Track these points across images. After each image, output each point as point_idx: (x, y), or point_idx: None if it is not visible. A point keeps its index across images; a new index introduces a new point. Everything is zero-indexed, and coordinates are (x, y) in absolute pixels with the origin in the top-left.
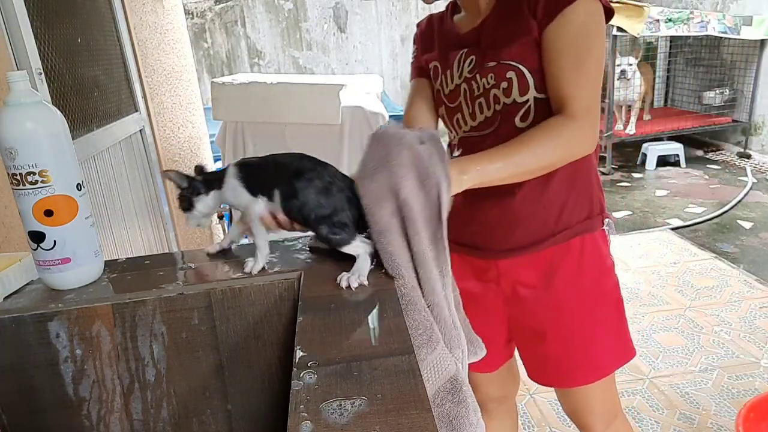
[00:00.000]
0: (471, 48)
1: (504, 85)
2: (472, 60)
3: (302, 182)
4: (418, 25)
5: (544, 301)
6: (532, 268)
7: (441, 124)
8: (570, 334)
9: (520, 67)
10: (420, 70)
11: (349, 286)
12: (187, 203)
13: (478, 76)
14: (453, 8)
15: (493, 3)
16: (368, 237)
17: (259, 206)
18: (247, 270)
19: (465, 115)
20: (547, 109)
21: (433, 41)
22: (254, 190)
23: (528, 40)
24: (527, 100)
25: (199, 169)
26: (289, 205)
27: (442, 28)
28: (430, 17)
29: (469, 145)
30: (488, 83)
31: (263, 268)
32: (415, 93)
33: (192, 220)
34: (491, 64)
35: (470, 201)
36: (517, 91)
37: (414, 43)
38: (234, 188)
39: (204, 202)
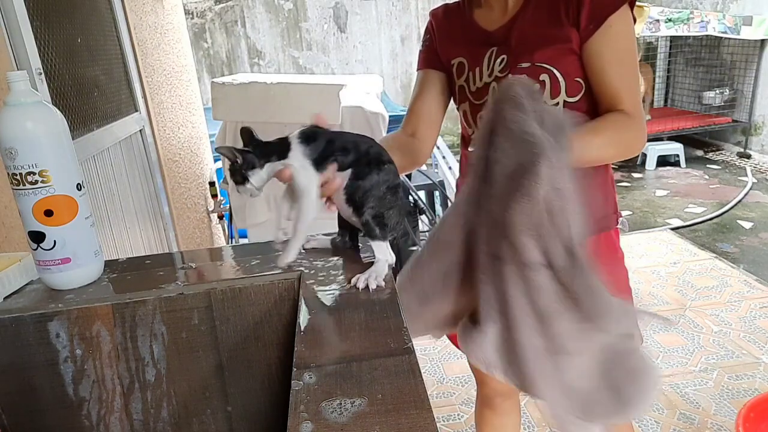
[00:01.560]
0: (501, 46)
1: (544, 90)
2: (503, 59)
3: (379, 172)
4: (433, 14)
5: None
6: None
7: (443, 120)
8: None
9: (554, 70)
10: (431, 61)
11: (366, 288)
12: (240, 177)
13: (510, 76)
14: (469, 0)
15: (522, 1)
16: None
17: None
18: (280, 264)
19: (472, 94)
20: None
21: (454, 34)
22: (320, 165)
23: (564, 47)
24: (557, 103)
25: (248, 133)
26: (355, 185)
27: (463, 22)
28: (446, 7)
29: None
30: None
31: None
32: (424, 84)
33: (245, 193)
34: (525, 64)
35: None
36: (549, 93)
37: (426, 32)
38: (302, 163)
39: (258, 176)
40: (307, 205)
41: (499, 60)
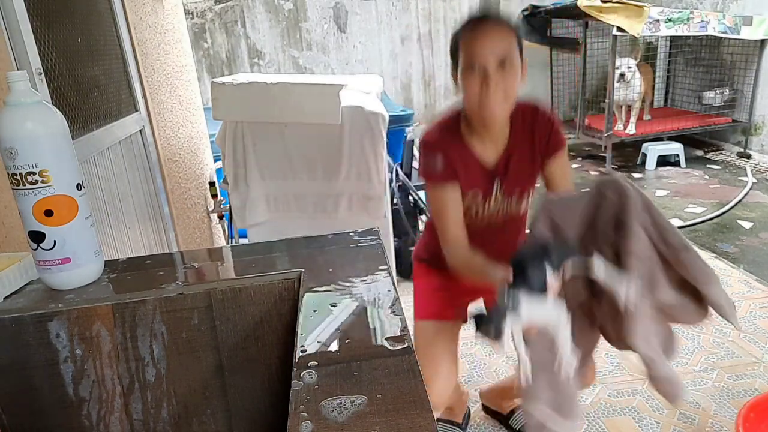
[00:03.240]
0: (501, 177)
1: (523, 202)
2: (503, 188)
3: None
4: (433, 143)
5: None
6: None
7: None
8: None
9: (531, 189)
10: (451, 175)
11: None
12: (495, 333)
13: (506, 199)
14: (458, 124)
15: (508, 135)
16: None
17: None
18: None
19: (479, 213)
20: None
21: (464, 168)
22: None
23: (537, 176)
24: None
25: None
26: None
27: (465, 155)
28: (444, 137)
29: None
30: (510, 202)
31: None
32: (455, 197)
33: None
34: (516, 190)
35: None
36: (527, 202)
37: (435, 153)
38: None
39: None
40: (562, 340)
41: (501, 189)
